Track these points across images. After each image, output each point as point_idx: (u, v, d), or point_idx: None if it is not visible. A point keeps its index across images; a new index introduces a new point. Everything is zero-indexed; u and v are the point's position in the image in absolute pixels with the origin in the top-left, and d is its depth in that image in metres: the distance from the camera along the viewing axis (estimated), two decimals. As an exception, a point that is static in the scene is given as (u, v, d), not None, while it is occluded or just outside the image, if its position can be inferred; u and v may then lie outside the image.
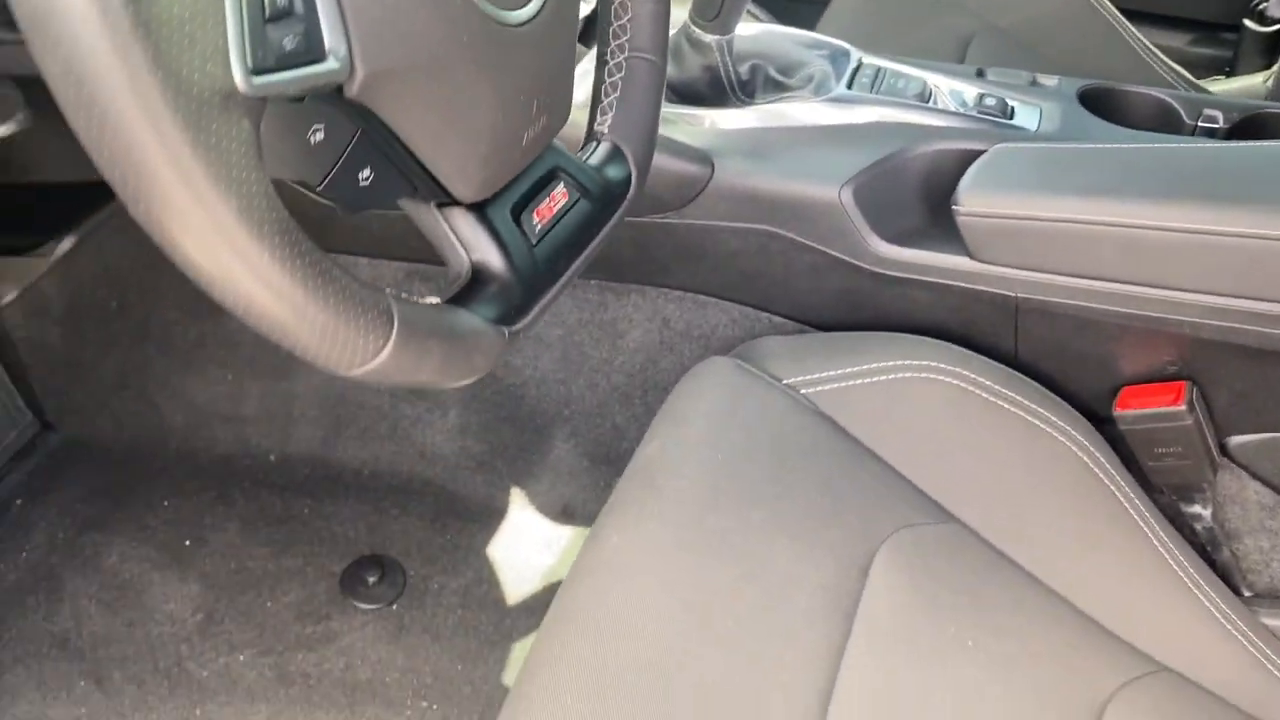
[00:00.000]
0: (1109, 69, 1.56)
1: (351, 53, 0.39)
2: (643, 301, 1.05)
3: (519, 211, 0.53)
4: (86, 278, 1.16)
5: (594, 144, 0.62)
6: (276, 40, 0.36)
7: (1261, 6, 1.54)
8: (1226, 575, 0.96)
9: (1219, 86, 1.59)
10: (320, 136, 0.43)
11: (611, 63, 0.63)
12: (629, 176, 0.61)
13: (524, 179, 0.54)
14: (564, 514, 1.16)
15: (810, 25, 1.49)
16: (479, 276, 0.51)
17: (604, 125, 0.62)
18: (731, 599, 0.70)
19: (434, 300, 0.48)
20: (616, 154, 0.61)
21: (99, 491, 1.16)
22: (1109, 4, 1.57)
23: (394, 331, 0.42)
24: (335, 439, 1.20)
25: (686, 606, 0.69)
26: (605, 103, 0.63)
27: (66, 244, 0.67)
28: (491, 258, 0.51)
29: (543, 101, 0.52)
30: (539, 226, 0.53)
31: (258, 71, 0.35)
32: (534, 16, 0.48)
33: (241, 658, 1.01)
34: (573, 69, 0.56)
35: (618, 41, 0.62)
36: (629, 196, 0.61)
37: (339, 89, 0.40)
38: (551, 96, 0.52)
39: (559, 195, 0.55)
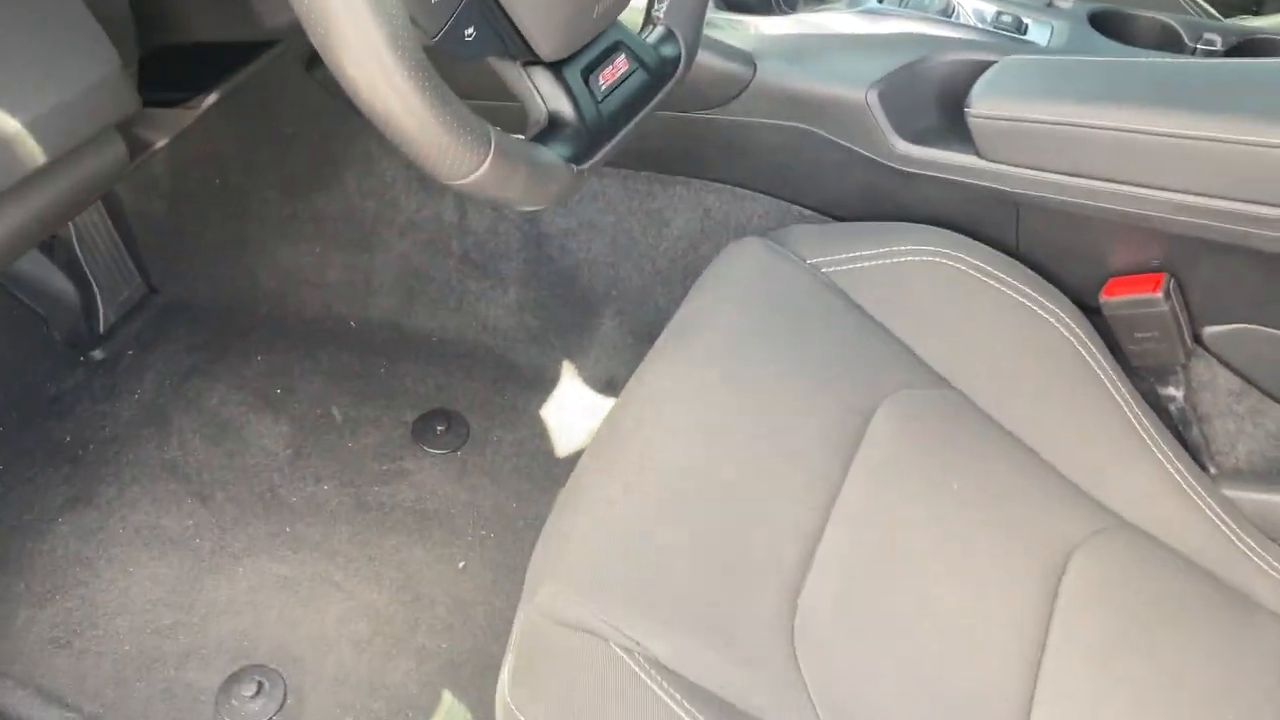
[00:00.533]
0: (1135, 4, 1.67)
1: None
2: (687, 193, 1.14)
3: (588, 74, 0.64)
4: (192, 158, 1.28)
5: (651, 26, 0.73)
6: None
7: None
8: (1196, 453, 1.05)
9: (1247, 23, 1.63)
10: (455, 16, 0.54)
11: None
12: (679, 55, 0.71)
13: (593, 46, 0.64)
14: (608, 385, 1.27)
15: None
16: (554, 122, 0.62)
17: (660, 11, 0.72)
18: (749, 427, 0.81)
19: (521, 138, 0.59)
20: (669, 36, 0.72)
21: (199, 346, 1.29)
22: None
23: (490, 152, 0.54)
24: (409, 308, 1.32)
25: (710, 430, 0.80)
26: None
27: (211, 99, 0.78)
28: (564, 108, 0.62)
29: None
30: (604, 87, 0.64)
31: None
32: None
33: (326, 487, 1.14)
34: None
35: None
36: (678, 73, 0.72)
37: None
38: None
39: (621, 64, 0.66)
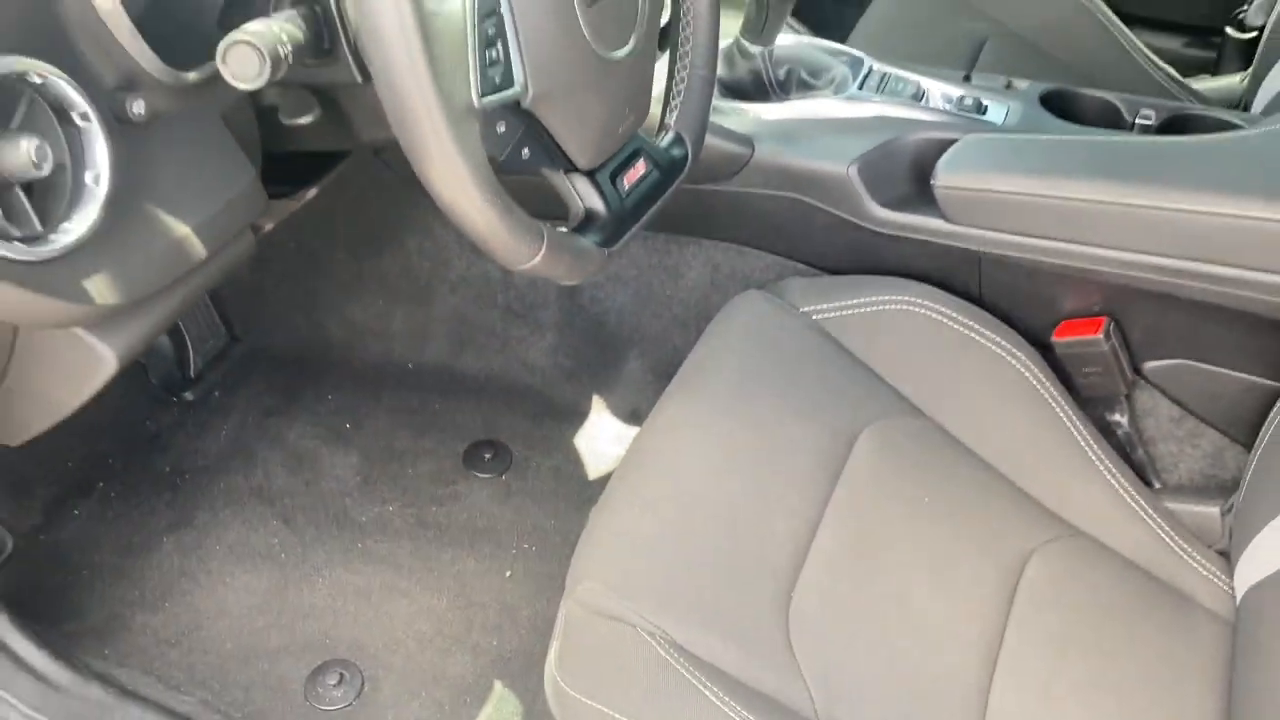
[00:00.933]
0: (1105, 67, 1.71)
1: (527, 83, 0.66)
2: (698, 251, 1.27)
3: (615, 176, 0.79)
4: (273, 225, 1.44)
5: (664, 131, 0.88)
6: (491, 78, 0.63)
7: (1240, 15, 1.68)
8: (1142, 471, 1.16)
9: (1203, 84, 1.73)
10: (503, 129, 0.70)
11: (678, 76, 0.88)
12: (686, 155, 0.87)
13: (619, 155, 0.80)
14: (632, 416, 1.38)
15: (845, 32, 1.70)
16: (589, 216, 0.77)
17: (671, 119, 0.87)
18: (751, 452, 0.93)
19: (564, 229, 0.75)
20: (679, 139, 0.87)
21: (277, 388, 1.42)
22: (1107, 10, 1.71)
23: (544, 245, 0.69)
24: (459, 352, 1.44)
25: (718, 456, 0.92)
26: (673, 104, 0.88)
27: (312, 192, 0.93)
28: (597, 204, 0.77)
29: (631, 106, 0.78)
30: (627, 186, 0.79)
31: (483, 95, 0.63)
32: (627, 55, 0.74)
33: (390, 509, 1.28)
34: (651, 85, 0.82)
35: (682, 63, 0.88)
36: (686, 169, 0.87)
37: (518, 103, 0.68)
38: (636, 103, 0.78)
39: (640, 166, 0.81)
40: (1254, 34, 1.68)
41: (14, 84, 0.61)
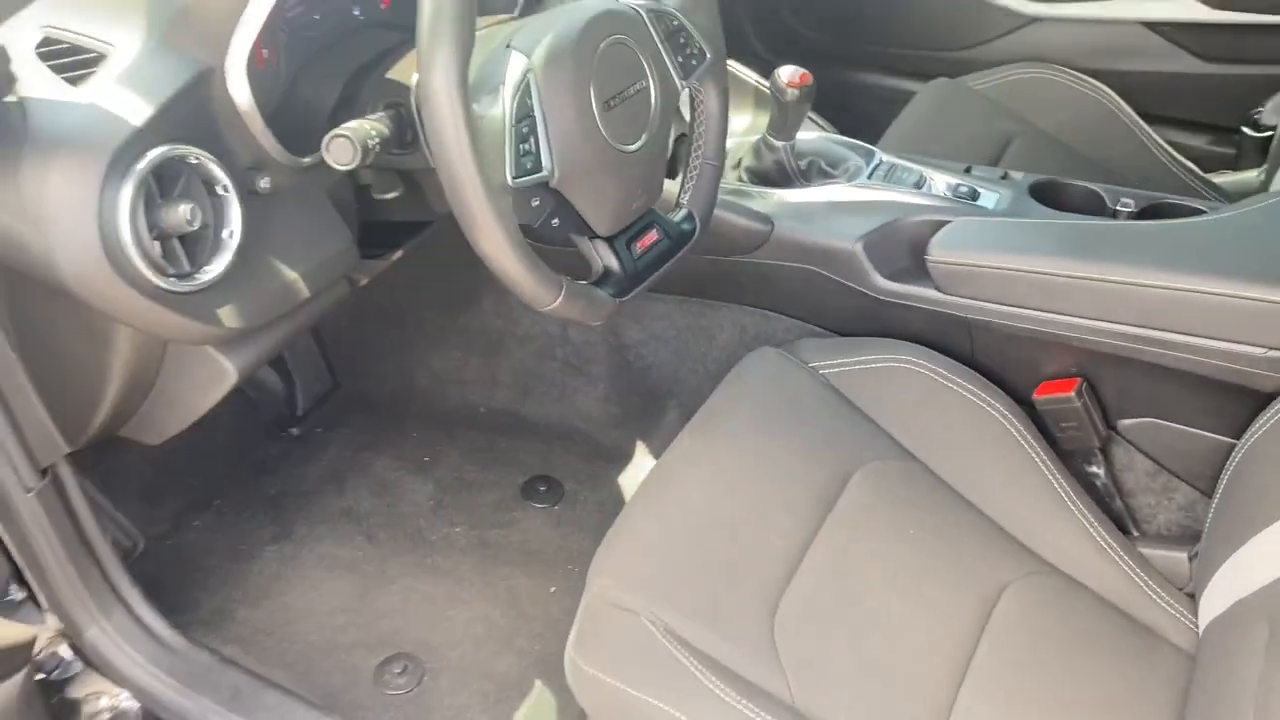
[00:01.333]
0: (1129, 163, 1.78)
1: (554, 169, 0.85)
2: (729, 315, 1.40)
3: (630, 242, 0.96)
4: (370, 285, 1.66)
5: (679, 208, 1.05)
6: (524, 164, 0.82)
7: (1256, 115, 1.75)
8: (1121, 520, 1.23)
9: (1223, 179, 1.79)
10: (537, 203, 0.87)
11: (692, 164, 1.06)
12: (695, 229, 1.03)
13: (634, 226, 0.97)
14: None
15: (881, 129, 1.76)
16: (606, 273, 0.94)
17: (684, 198, 1.04)
18: (754, 482, 1.05)
19: (584, 282, 0.93)
20: (689, 216, 1.03)
21: (369, 426, 1.60)
22: (1130, 110, 1.79)
23: (562, 293, 0.87)
24: (523, 399, 1.60)
25: (725, 484, 1.05)
26: (686, 186, 1.05)
27: (398, 254, 1.12)
28: (613, 264, 0.94)
29: (644, 187, 0.95)
30: (639, 251, 0.96)
31: (515, 177, 0.82)
32: (640, 148, 0.92)
33: (457, 530, 1.44)
34: (663, 171, 0.99)
35: (696, 154, 1.05)
36: (694, 239, 1.04)
37: (546, 183, 0.86)
38: (649, 185, 0.96)
39: (652, 235, 0.98)
40: (1269, 133, 1.74)
41: (178, 164, 0.82)
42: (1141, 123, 1.82)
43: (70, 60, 0.82)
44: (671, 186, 1.04)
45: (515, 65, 0.82)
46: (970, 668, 1.00)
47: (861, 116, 1.77)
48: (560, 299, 0.86)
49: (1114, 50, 1.92)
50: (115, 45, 0.83)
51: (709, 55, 1.01)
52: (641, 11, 0.94)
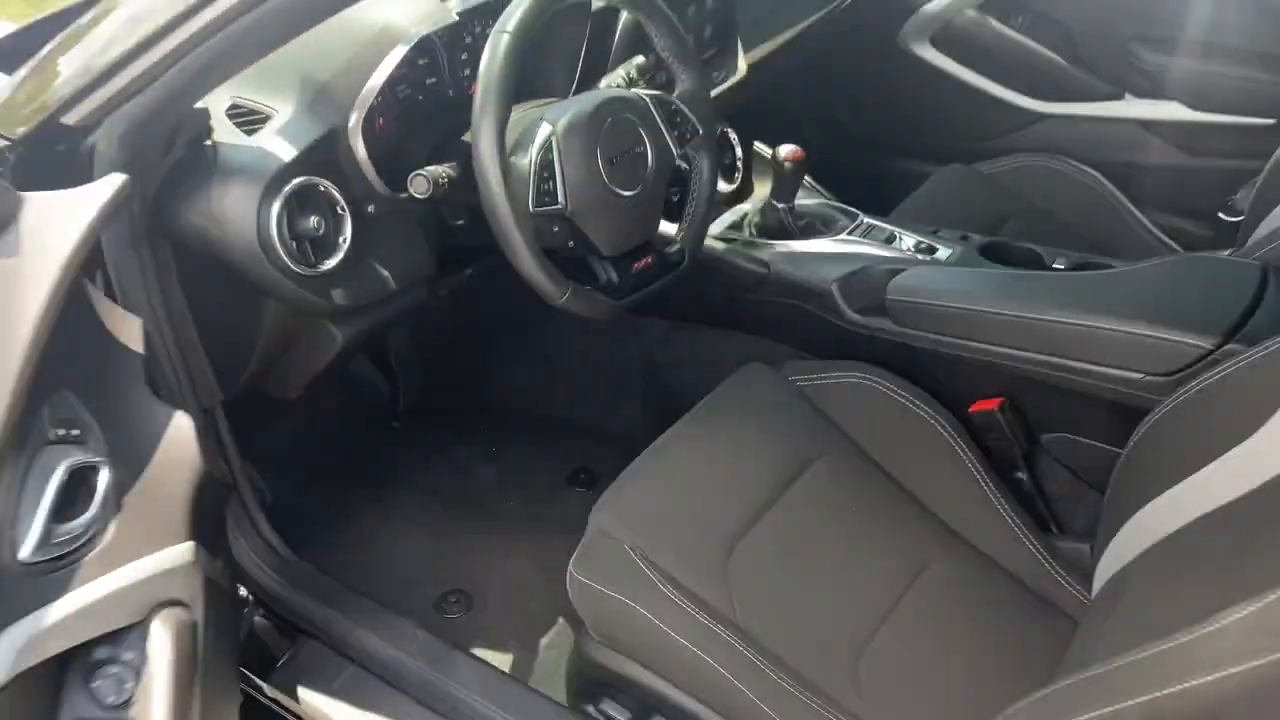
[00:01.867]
0: (1116, 240, 1.96)
1: (567, 203, 1.16)
2: (736, 341, 1.63)
3: (630, 262, 1.25)
4: (435, 313, 1.83)
5: (674, 244, 1.34)
6: (542, 198, 1.12)
7: (1230, 202, 1.91)
8: (1044, 521, 1.40)
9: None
10: (557, 229, 1.17)
11: (687, 210, 1.33)
12: (683, 260, 1.30)
13: (633, 251, 1.25)
14: None
15: (892, 205, 1.93)
16: (607, 284, 1.22)
17: (679, 236, 1.34)
18: (728, 457, 1.26)
19: (588, 287, 1.23)
20: (680, 250, 1.31)
21: (452, 422, 1.87)
22: (1121, 196, 1.99)
23: (569, 292, 1.16)
24: (574, 405, 1.86)
25: (703, 456, 1.27)
26: (682, 227, 1.34)
27: (469, 271, 1.44)
28: (613, 278, 1.21)
29: (640, 224, 1.23)
30: (635, 270, 1.24)
31: (535, 206, 1.13)
32: (634, 196, 1.21)
33: (512, 504, 1.71)
34: (659, 212, 1.27)
35: (690, 203, 1.33)
36: (682, 268, 1.31)
37: (562, 214, 1.18)
38: (645, 221, 1.24)
39: (647, 260, 1.26)
40: (1239, 218, 1.79)
41: (312, 190, 1.16)
42: (1131, 207, 2.00)
43: (247, 119, 1.18)
44: (670, 228, 1.35)
45: (543, 131, 1.14)
46: (890, 617, 1.19)
47: (887, 193, 1.96)
48: (567, 296, 1.16)
49: (1110, 144, 2.09)
50: (277, 110, 1.19)
51: (701, 132, 1.32)
52: (647, 98, 1.25)
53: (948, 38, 2.19)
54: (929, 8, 2.16)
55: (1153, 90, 2.05)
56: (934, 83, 2.21)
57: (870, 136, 2.36)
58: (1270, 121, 1.92)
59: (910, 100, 2.29)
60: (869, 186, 2.01)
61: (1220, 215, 1.98)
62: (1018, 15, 2.14)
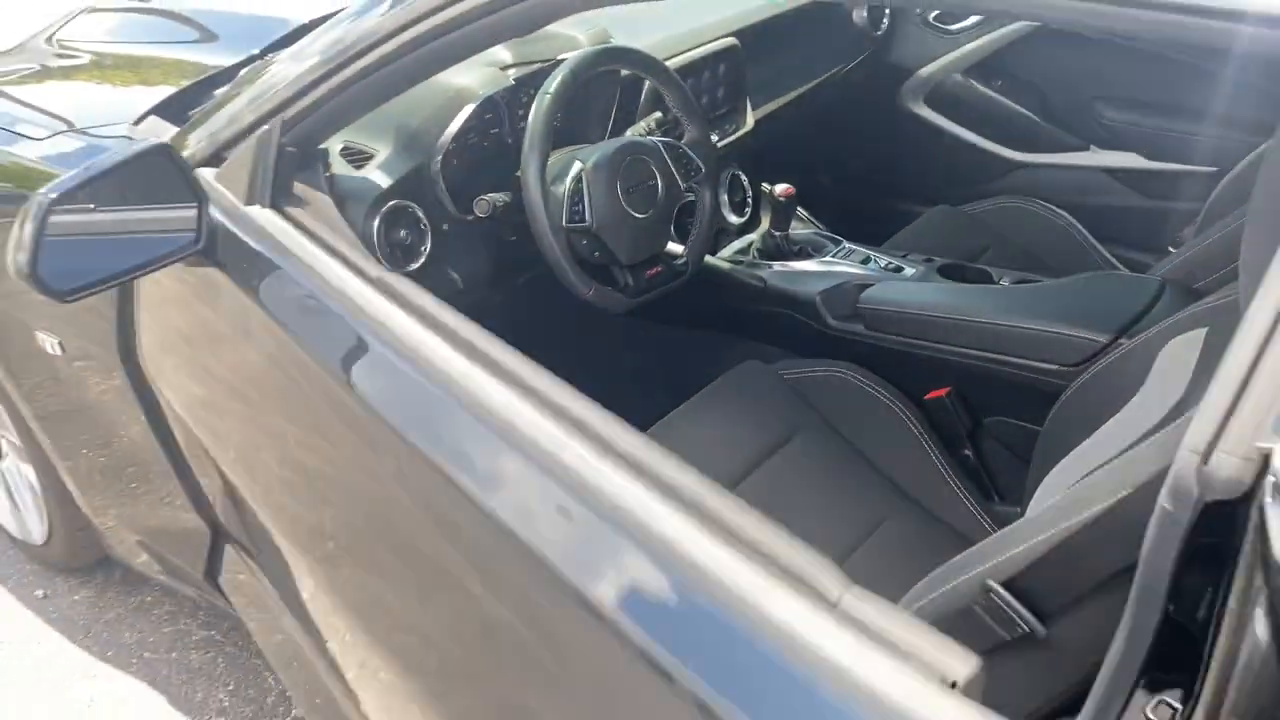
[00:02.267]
0: (1084, 270, 2.08)
1: (592, 221, 1.50)
2: (741, 346, 1.91)
3: (644, 268, 1.58)
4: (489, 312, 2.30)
5: (680, 258, 1.67)
6: (573, 216, 1.45)
7: (1179, 239, 2.11)
8: (988, 492, 1.64)
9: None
10: (585, 242, 1.50)
11: (692, 231, 1.69)
12: (687, 270, 1.65)
13: (646, 260, 1.59)
14: None
15: (886, 237, 2.18)
16: (624, 285, 1.56)
17: (683, 252, 1.68)
18: (724, 434, 1.54)
19: (609, 287, 1.56)
20: (685, 261, 1.65)
21: None
22: (1087, 233, 2.21)
23: (593, 289, 1.50)
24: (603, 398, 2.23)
25: (702, 433, 1.59)
26: (688, 244, 1.68)
27: (523, 278, 1.78)
28: (629, 281, 1.54)
29: (652, 239, 1.57)
30: (647, 276, 1.57)
31: (568, 222, 1.47)
32: (646, 218, 1.55)
33: None
34: (668, 231, 1.61)
35: (694, 226, 1.68)
36: (686, 277, 1.64)
37: (589, 230, 1.51)
38: (656, 237, 1.59)
39: (659, 268, 1.60)
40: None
41: (403, 210, 1.51)
42: (1095, 243, 2.24)
43: (355, 156, 1.54)
44: (677, 247, 1.67)
45: (575, 167, 1.48)
46: (848, 561, 1.44)
47: (882, 229, 2.19)
48: (592, 292, 1.49)
49: (1079, 189, 2.35)
50: (378, 150, 1.54)
51: (704, 170, 1.65)
52: (659, 143, 1.59)
53: (939, 97, 2.49)
54: (923, 71, 2.47)
55: (1114, 142, 2.32)
56: (927, 135, 2.50)
57: (869, 180, 2.65)
58: (1213, 169, 2.18)
59: (907, 150, 2.58)
60: (867, 224, 2.26)
61: (1170, 249, 2.19)
62: (998, 78, 2.44)
